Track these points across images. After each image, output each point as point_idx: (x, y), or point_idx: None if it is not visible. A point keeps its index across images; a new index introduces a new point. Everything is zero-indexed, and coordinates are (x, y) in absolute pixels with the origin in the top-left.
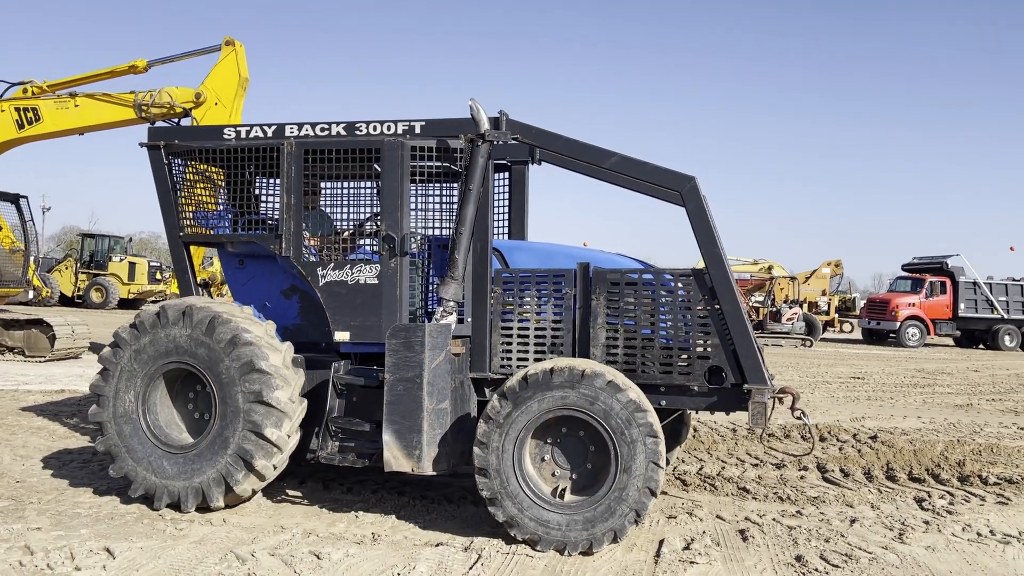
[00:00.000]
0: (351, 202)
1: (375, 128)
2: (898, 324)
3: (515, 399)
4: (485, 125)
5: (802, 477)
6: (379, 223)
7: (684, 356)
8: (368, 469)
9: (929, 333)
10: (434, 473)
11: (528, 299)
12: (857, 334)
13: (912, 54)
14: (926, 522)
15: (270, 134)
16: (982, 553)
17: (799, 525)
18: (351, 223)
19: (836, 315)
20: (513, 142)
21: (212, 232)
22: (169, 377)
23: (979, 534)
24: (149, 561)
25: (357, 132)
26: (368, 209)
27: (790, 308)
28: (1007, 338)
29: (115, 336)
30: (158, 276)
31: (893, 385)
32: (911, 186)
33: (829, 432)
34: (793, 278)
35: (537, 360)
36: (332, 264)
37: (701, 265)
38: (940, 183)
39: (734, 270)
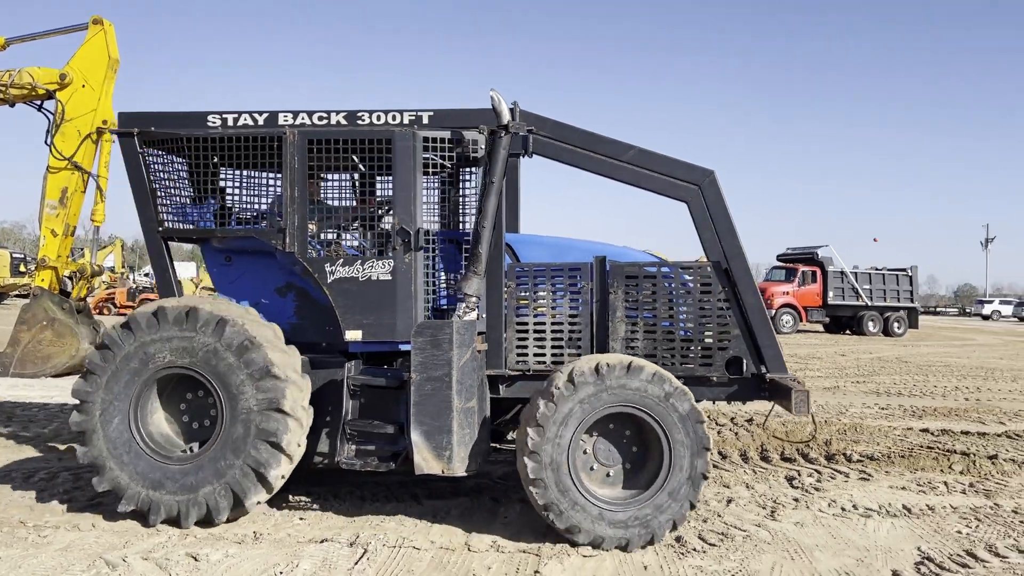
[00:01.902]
0: (345, 195)
1: (379, 118)
2: (773, 312)
3: (564, 400)
4: (507, 116)
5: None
6: (390, 216)
7: (704, 347)
8: None
9: (801, 320)
10: (465, 474)
11: (543, 294)
12: None
13: (776, 45)
14: (796, 499)
15: (261, 122)
16: (846, 527)
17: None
18: (356, 217)
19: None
20: (527, 134)
21: (199, 227)
22: (161, 382)
23: (843, 509)
24: (8, 572)
25: (360, 122)
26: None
27: None
28: (870, 324)
29: (105, 337)
30: (22, 268)
31: None
32: (785, 179)
33: (708, 416)
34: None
35: (555, 356)
36: (341, 260)
37: (702, 258)
38: (813, 176)
39: None
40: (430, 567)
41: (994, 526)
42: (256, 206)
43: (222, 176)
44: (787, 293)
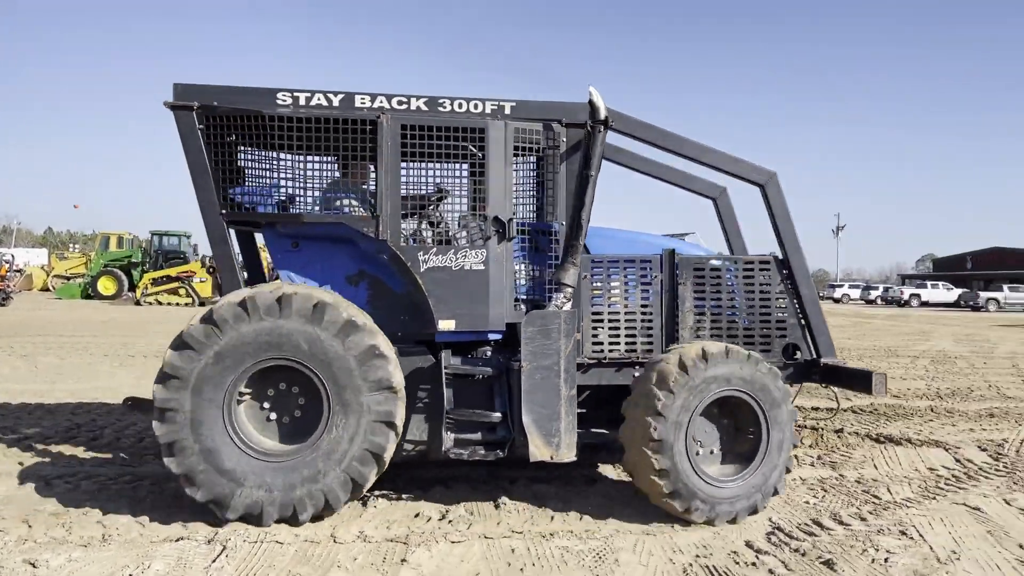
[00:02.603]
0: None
1: (460, 105)
2: None
3: (679, 388)
4: (604, 112)
5: None
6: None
7: (764, 334)
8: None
9: None
10: (571, 459)
11: (616, 284)
12: None
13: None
14: None
15: (336, 103)
16: None
17: (548, 491)
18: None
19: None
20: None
21: (273, 211)
22: (249, 378)
23: None
24: None
25: (440, 108)
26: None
27: None
28: None
29: (186, 338)
30: None
31: None
32: None
33: None
34: None
35: (628, 345)
36: (435, 249)
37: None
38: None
39: None
40: (293, 561)
41: (839, 496)
42: (336, 191)
43: (295, 158)
44: None
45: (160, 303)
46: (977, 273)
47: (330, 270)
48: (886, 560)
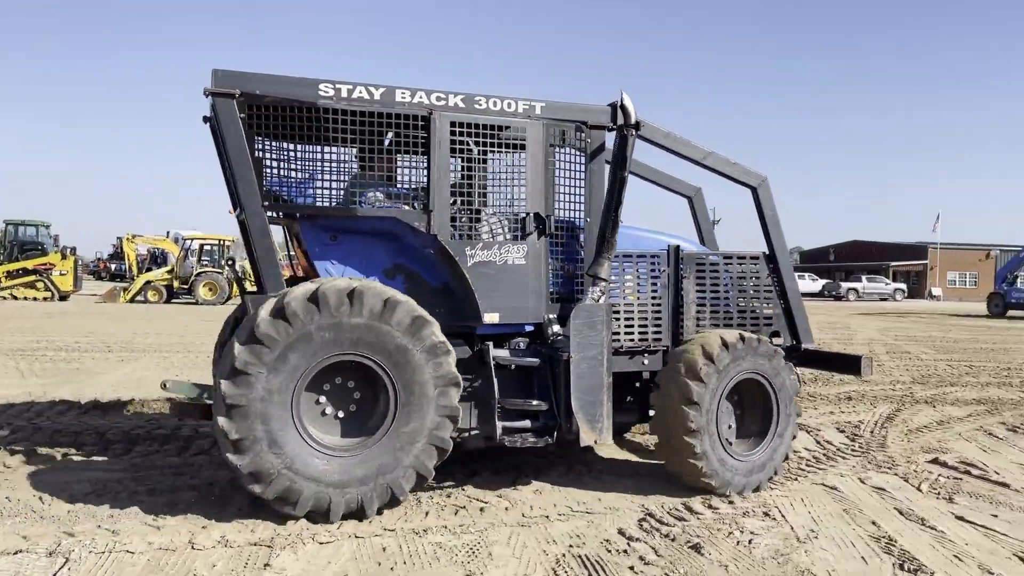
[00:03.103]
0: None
1: (495, 104)
2: None
3: (709, 376)
4: (635, 116)
5: None
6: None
7: (753, 323)
8: None
9: None
10: (610, 442)
11: (630, 277)
12: None
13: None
14: (536, 468)
15: (377, 96)
16: (580, 489)
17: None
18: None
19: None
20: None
21: (324, 204)
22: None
23: (579, 473)
24: None
25: (477, 106)
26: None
27: None
28: None
29: (258, 332)
30: None
31: None
32: None
33: None
34: None
35: (641, 334)
36: (481, 244)
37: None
38: None
39: None
40: (144, 571)
41: None
42: (382, 185)
43: (339, 151)
44: None
45: (16, 298)
46: (839, 264)
47: (367, 263)
48: (750, 542)
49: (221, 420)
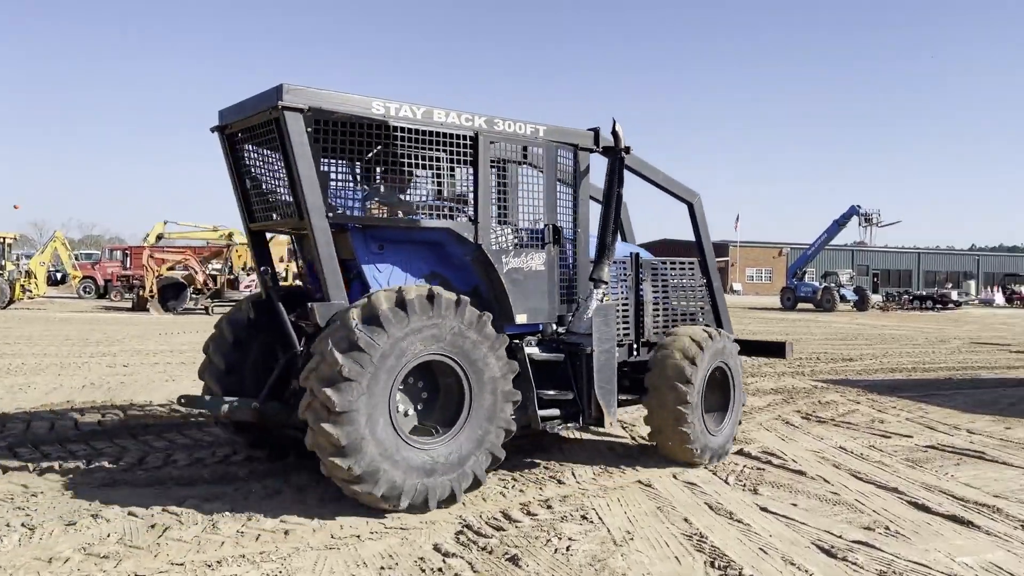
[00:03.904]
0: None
1: (509, 126)
2: None
3: (700, 361)
4: (625, 142)
5: (234, 452)
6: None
7: (692, 318)
8: None
9: None
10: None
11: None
12: None
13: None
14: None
15: (419, 115)
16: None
17: (223, 507)
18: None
19: (295, 281)
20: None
21: (382, 214)
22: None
23: None
24: None
25: (495, 127)
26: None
27: (248, 275)
28: None
29: (358, 340)
30: None
31: None
32: None
33: None
34: None
35: (624, 332)
36: (512, 252)
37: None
38: None
39: (191, 236)
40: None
41: (528, 484)
42: (433, 198)
43: (403, 166)
44: None
45: None
46: None
47: (408, 271)
48: (568, 548)
49: (328, 428)
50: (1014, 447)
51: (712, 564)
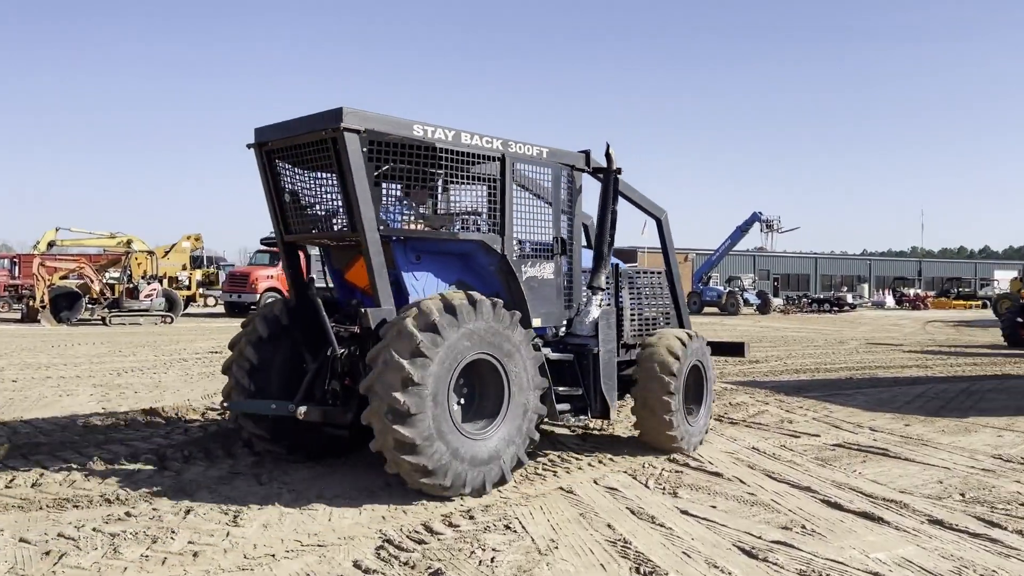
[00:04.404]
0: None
1: (522, 147)
2: (258, 295)
3: (683, 358)
4: (616, 163)
5: (138, 471)
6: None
7: (663, 323)
8: None
9: None
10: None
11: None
12: (221, 307)
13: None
14: (262, 498)
15: (449, 138)
16: (311, 520)
17: (125, 530)
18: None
19: (199, 289)
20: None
21: (430, 228)
22: None
23: (309, 501)
24: None
25: (509, 148)
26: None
27: (149, 284)
28: None
29: (420, 347)
30: None
31: None
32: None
33: (176, 414)
34: (152, 252)
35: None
36: (529, 262)
37: None
38: None
39: (87, 244)
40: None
41: (447, 496)
42: (466, 212)
43: (440, 183)
44: (271, 277)
45: None
46: None
47: (440, 278)
48: (492, 560)
49: (401, 430)
50: (914, 443)
51: (637, 570)
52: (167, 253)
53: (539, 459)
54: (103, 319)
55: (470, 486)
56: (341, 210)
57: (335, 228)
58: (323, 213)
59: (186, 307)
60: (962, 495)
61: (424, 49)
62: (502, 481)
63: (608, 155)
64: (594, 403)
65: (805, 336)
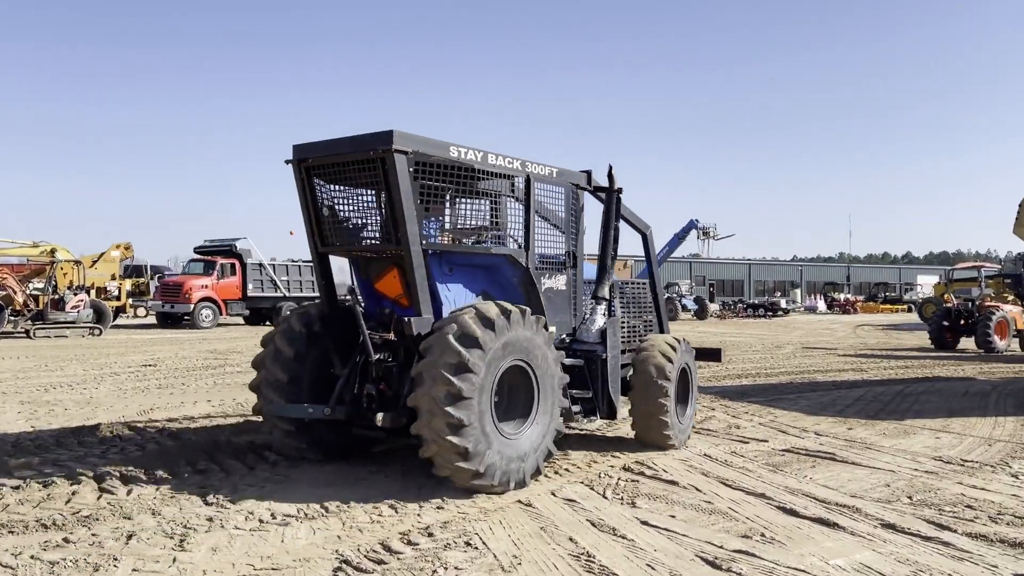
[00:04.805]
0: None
1: (538, 168)
2: (192, 306)
3: (676, 361)
4: (617, 183)
5: (75, 493)
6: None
7: (647, 330)
8: None
9: (222, 313)
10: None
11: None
12: (153, 319)
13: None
14: (210, 519)
15: (478, 159)
16: (264, 541)
17: (65, 558)
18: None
19: (129, 300)
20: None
21: (468, 242)
22: None
23: (261, 521)
24: None
25: (528, 168)
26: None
27: (75, 295)
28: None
29: (466, 363)
30: None
31: (186, 369)
32: (202, 174)
33: (111, 431)
34: (78, 262)
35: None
36: (547, 274)
37: None
38: (224, 175)
39: (8, 253)
40: None
41: (406, 509)
42: (496, 227)
43: (478, 200)
44: (206, 287)
45: None
46: None
47: (468, 290)
48: None
49: (453, 439)
50: (859, 447)
51: None
52: (95, 263)
53: None
54: (27, 332)
55: (513, 481)
56: (377, 224)
57: (370, 241)
58: (360, 227)
59: (115, 318)
60: (910, 498)
61: (364, 55)
62: (537, 472)
63: (610, 176)
64: (602, 405)
65: (743, 341)
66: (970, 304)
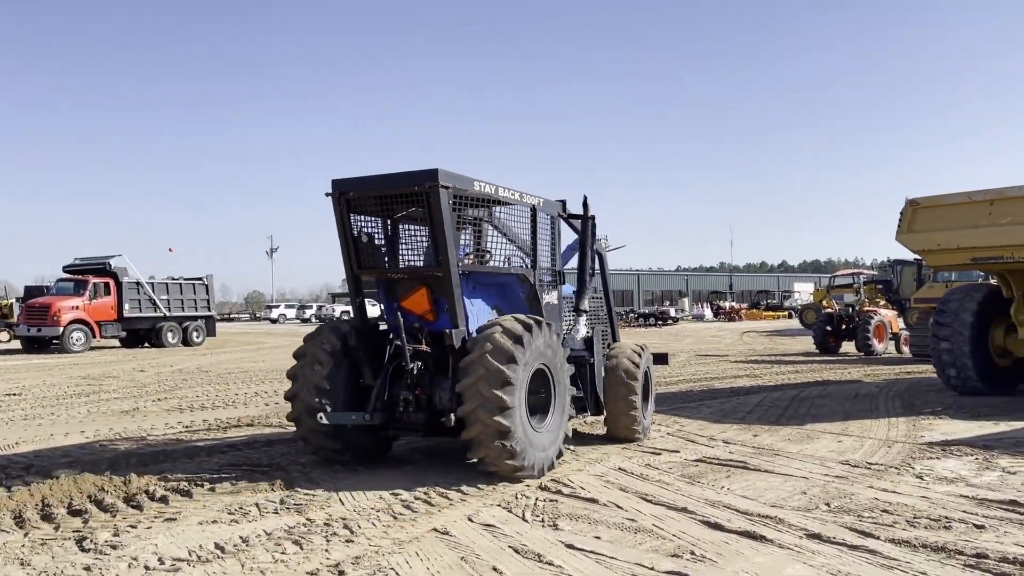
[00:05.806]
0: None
1: (527, 196)
2: (61, 329)
3: (641, 365)
4: (591, 211)
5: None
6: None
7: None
8: None
9: (95, 336)
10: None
11: (566, 310)
12: (17, 344)
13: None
14: (88, 568)
15: (491, 191)
16: None
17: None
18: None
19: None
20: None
21: (493, 265)
22: None
23: (147, 567)
24: None
25: (529, 199)
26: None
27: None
28: (170, 335)
29: (514, 353)
30: None
31: (55, 398)
32: (68, 186)
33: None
34: None
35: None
36: (545, 290)
37: None
38: (100, 184)
39: None
40: None
41: (310, 547)
42: (511, 251)
43: (493, 228)
44: (77, 308)
45: None
46: None
47: (485, 304)
48: None
49: (499, 419)
50: (767, 454)
51: None
52: None
53: (402, 497)
54: None
55: (538, 467)
56: (411, 250)
57: (402, 265)
58: (397, 252)
59: None
60: (827, 505)
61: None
62: (559, 455)
63: (585, 204)
64: (590, 402)
65: None
66: (851, 309)
